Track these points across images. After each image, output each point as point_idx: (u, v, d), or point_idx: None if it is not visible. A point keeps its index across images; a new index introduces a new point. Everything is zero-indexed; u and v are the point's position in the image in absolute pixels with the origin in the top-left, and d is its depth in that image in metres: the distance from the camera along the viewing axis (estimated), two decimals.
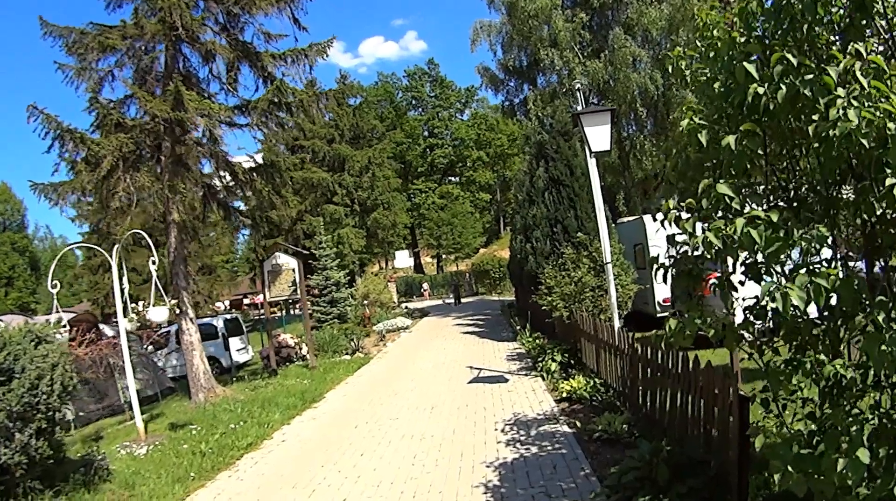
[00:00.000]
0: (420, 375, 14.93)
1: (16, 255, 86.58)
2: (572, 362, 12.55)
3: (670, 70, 4.19)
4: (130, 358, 17.88)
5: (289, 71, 15.50)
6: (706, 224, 3.27)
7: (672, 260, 3.75)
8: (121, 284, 11.32)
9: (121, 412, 16.55)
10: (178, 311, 15.22)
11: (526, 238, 17.65)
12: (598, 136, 9.37)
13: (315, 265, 31.36)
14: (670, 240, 3.74)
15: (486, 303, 39.88)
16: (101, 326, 18.25)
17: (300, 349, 21.16)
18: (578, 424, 8.31)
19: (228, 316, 25.59)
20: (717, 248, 3.10)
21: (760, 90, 3.07)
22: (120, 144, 12.58)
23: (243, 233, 50.92)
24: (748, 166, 3.34)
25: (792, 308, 2.80)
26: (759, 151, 3.31)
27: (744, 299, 3.52)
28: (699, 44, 3.90)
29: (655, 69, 26.51)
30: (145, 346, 24.67)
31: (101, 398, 16.31)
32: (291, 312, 43.77)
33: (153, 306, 11.21)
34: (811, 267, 2.89)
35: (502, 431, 8.76)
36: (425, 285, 50.50)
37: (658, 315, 16.84)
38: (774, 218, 2.91)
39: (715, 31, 3.71)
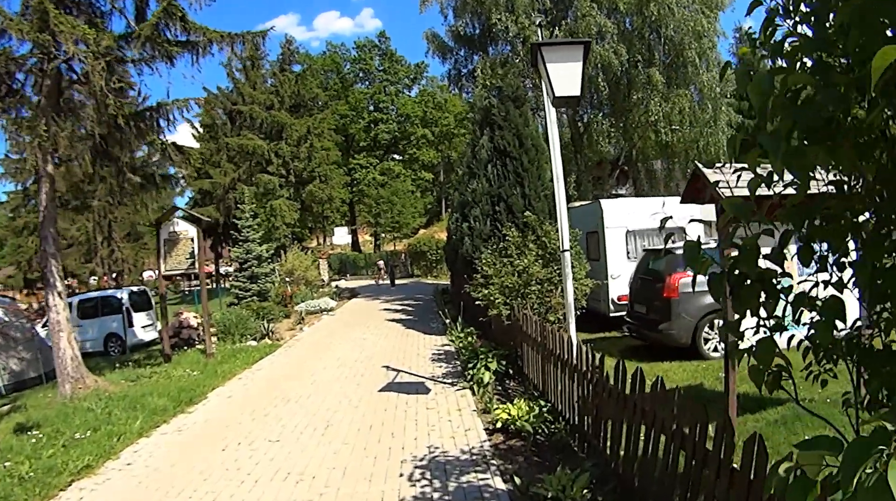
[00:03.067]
0: (325, 374, 12.26)
1: None
2: (510, 371, 10.12)
3: None
4: (9, 335, 15.10)
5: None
6: None
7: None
8: None
9: None
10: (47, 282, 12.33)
11: (463, 216, 15.11)
12: (565, 76, 6.79)
13: (237, 237, 28.56)
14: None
15: (420, 286, 37.27)
16: None
17: (203, 330, 18.34)
18: (518, 480, 5.74)
19: (135, 288, 22.45)
20: None
21: None
22: None
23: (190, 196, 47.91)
24: None
25: None
26: None
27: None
28: None
29: (621, 43, 24.25)
30: (33, 320, 21.57)
31: None
32: (223, 284, 40.59)
33: None
34: None
35: (409, 479, 6.18)
36: (381, 263, 47.38)
37: (611, 315, 14.70)
38: None
39: None
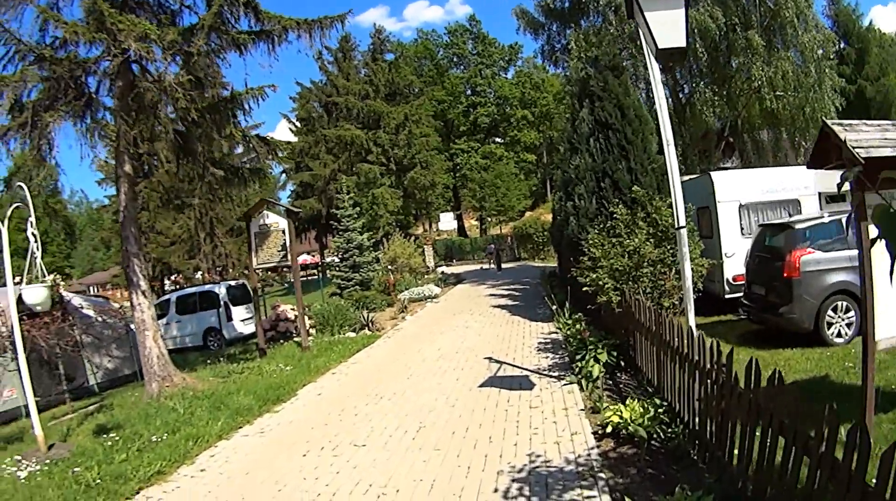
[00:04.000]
0: (423, 367, 11.73)
1: (48, 220, 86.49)
2: (622, 363, 9.23)
3: None
4: (102, 333, 15.43)
5: None
6: None
7: None
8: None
9: (88, 394, 14.30)
10: (129, 281, 12.38)
11: (567, 195, 14.17)
12: (667, 24, 5.83)
13: (337, 227, 28.66)
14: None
15: (527, 270, 36.38)
16: (70, 296, 15.48)
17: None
18: None
19: (233, 282, 22.80)
20: None
21: None
22: (22, 77, 9.61)
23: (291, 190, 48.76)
24: None
25: None
26: None
27: None
28: None
29: (716, 6, 22.64)
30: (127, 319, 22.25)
31: (63, 380, 13.82)
32: (328, 275, 41.06)
33: (27, 284, 8.17)
34: None
35: (505, 496, 5.45)
36: (492, 247, 46.59)
37: (726, 296, 13.50)
38: None
39: None
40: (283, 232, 15.52)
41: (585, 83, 14.56)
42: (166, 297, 24.25)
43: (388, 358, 13.27)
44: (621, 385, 8.74)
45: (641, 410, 6.41)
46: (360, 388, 10.66)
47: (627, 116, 13.57)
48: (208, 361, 15.51)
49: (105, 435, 9.06)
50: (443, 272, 35.35)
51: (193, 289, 23.35)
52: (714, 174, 14.53)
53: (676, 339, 6.34)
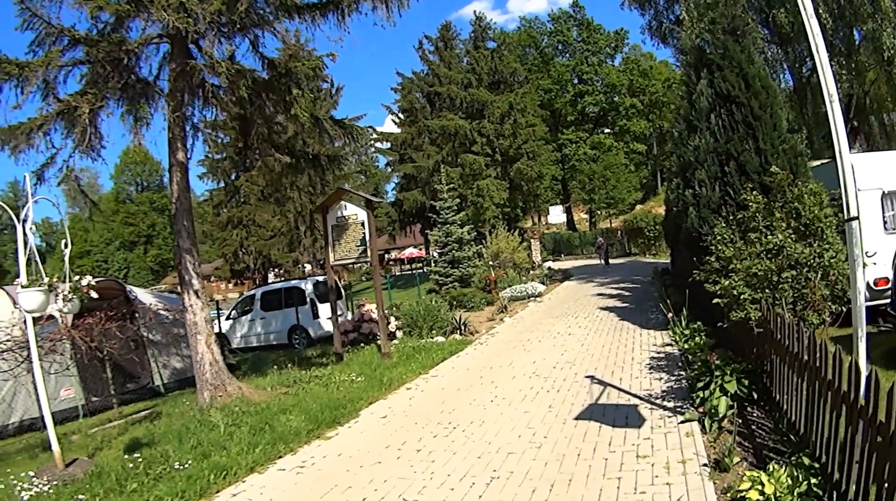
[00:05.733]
0: (512, 386, 10.09)
1: (154, 214, 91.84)
2: (754, 394, 7.30)
3: None
4: (171, 331, 14.78)
5: None
6: None
7: None
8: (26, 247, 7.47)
9: (153, 395, 13.97)
10: (182, 281, 11.47)
11: (685, 182, 12.19)
12: None
13: (436, 219, 27.48)
14: None
15: (638, 267, 33.95)
16: (134, 292, 14.90)
17: (386, 322, 17.00)
18: None
19: (321, 278, 21.93)
20: None
21: None
22: (48, 60, 8.66)
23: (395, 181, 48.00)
24: None
25: None
26: None
27: None
28: None
29: None
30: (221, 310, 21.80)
31: (129, 379, 13.91)
32: (426, 269, 40.13)
33: (22, 286, 7.20)
34: None
35: None
36: (600, 240, 44.17)
37: (867, 304, 11.12)
38: None
39: None
40: (363, 225, 14.20)
41: (701, 52, 12.59)
42: (251, 292, 23.67)
43: (474, 372, 11.73)
44: (753, 425, 6.85)
45: (789, 482, 4.56)
46: (434, 411, 9.19)
47: (753, 87, 11.47)
48: (282, 364, 14.48)
49: (135, 452, 8.13)
50: (549, 268, 33.48)
51: (279, 285, 22.62)
52: (855, 158, 12.16)
53: (840, 379, 4.47)
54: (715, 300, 7.83)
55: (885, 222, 11.53)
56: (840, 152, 4.62)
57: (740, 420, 6.89)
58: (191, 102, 11.44)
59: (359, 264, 34.10)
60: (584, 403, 8.53)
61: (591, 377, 9.91)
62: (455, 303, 22.24)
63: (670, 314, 12.45)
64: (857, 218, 4.68)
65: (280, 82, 11.15)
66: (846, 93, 23.54)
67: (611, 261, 38.89)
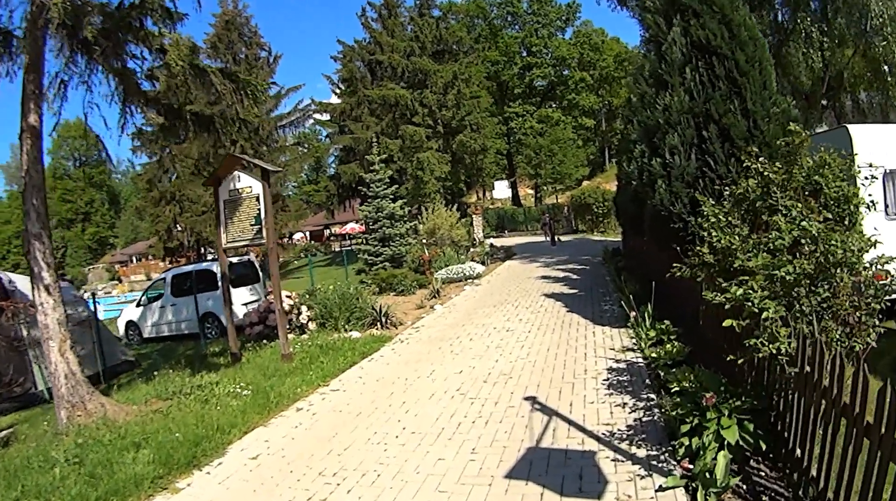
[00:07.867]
0: (427, 414, 7.54)
1: (93, 190, 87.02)
2: (760, 442, 4.90)
3: None
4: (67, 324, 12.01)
5: None
6: None
7: None
8: None
9: (35, 403, 11.58)
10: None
11: (651, 149, 9.80)
12: None
13: (366, 193, 24.90)
14: None
15: (586, 245, 31.91)
16: (11, 279, 12.07)
17: (297, 313, 14.34)
18: None
19: (236, 259, 19.05)
20: None
21: None
22: None
23: (335, 155, 45.03)
24: None
25: None
26: None
27: None
28: None
29: None
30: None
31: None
32: (353, 247, 37.60)
33: None
34: None
35: None
36: (546, 217, 41.35)
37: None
38: None
39: None
40: (258, 199, 11.42)
41: None
42: (161, 275, 20.71)
43: (385, 385, 9.16)
44: (761, 491, 4.57)
45: None
46: (320, 451, 6.61)
47: (738, 36, 9.19)
48: (183, 361, 12.30)
49: None
50: (491, 246, 31.19)
51: (189, 267, 19.70)
52: (852, 128, 9.98)
53: None
54: (727, 322, 5.12)
55: (886, 206, 9.51)
56: None
57: (742, 487, 4.57)
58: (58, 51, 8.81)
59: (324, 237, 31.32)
60: (520, 445, 6.08)
61: (533, 400, 7.49)
62: (384, 286, 19.71)
63: (633, 313, 10.10)
64: None
65: (129, 15, 8.39)
66: (820, 67, 21.65)
67: (556, 238, 36.82)
